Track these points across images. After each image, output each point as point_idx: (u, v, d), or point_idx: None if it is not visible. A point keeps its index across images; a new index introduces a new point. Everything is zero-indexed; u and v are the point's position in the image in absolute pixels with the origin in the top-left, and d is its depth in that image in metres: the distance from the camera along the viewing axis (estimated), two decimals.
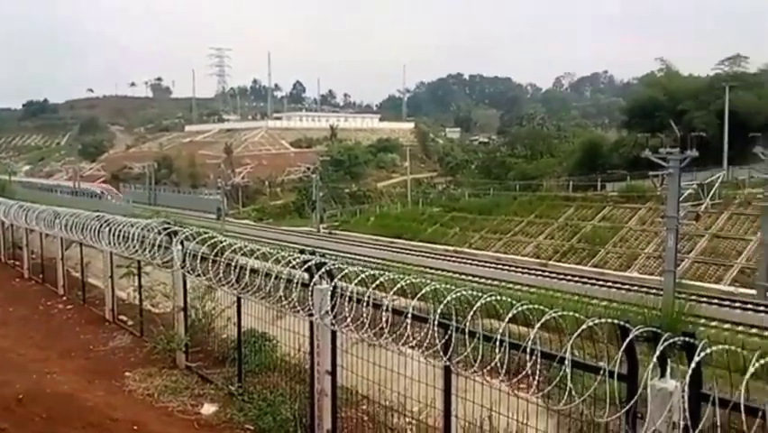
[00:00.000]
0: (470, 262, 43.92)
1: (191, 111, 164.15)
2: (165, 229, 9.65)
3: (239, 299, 7.79)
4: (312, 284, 5.99)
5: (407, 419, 6.70)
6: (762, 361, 2.95)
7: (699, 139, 29.56)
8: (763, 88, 60.42)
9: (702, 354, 3.18)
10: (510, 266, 41.96)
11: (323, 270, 5.96)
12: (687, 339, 3.25)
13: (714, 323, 25.22)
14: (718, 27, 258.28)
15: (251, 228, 67.54)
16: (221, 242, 8.17)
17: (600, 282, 35.21)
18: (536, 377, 3.92)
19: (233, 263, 7.38)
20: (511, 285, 32.19)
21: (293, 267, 6.42)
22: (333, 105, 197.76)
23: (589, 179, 57.69)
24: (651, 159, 29.14)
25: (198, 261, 8.36)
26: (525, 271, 39.78)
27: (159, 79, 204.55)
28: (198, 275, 8.22)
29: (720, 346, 3.19)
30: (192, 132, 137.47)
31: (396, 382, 5.98)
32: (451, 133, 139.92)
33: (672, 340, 3.25)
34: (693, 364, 3.15)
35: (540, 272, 39.17)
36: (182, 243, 8.96)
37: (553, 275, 37.93)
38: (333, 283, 5.78)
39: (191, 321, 9.52)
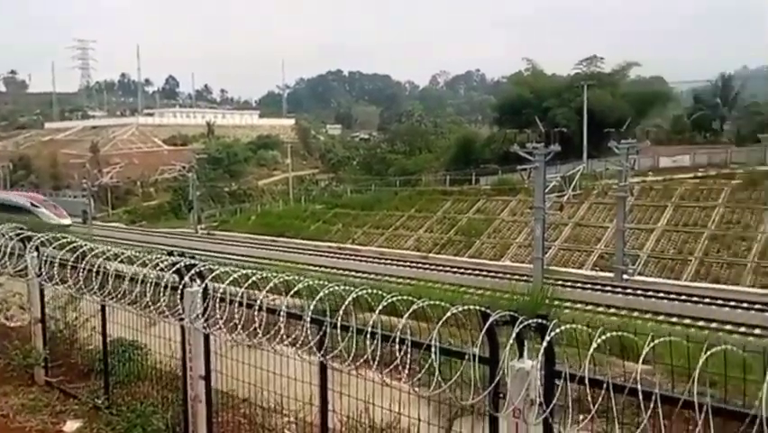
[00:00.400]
0: (354, 257, 44.38)
1: (51, 107, 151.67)
2: (18, 235, 8.84)
3: (103, 307, 7.33)
4: (181, 287, 5.75)
5: (288, 419, 6.64)
6: (603, 337, 3.22)
7: (561, 134, 31.87)
8: (616, 87, 65.95)
9: (552, 333, 3.42)
10: (393, 260, 42.89)
11: (193, 271, 5.74)
12: (540, 321, 3.48)
13: (578, 305, 27.29)
14: (580, 28, 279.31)
15: (122, 231, 63.91)
16: (81, 246, 7.62)
17: (477, 272, 36.94)
18: (407, 366, 4.01)
19: (95, 269, 6.91)
20: (394, 278, 32.99)
21: (161, 270, 6.12)
22: (210, 100, 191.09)
23: (464, 173, 60.12)
24: (519, 153, 30.92)
25: (57, 268, 7.75)
26: (407, 264, 40.84)
27: (13, 72, 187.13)
28: (57, 283, 7.62)
29: (569, 325, 3.44)
30: (53, 129, 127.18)
31: (276, 383, 5.90)
32: (332, 130, 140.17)
33: (527, 322, 3.46)
34: (545, 344, 3.38)
35: (421, 265, 40.38)
36: (37, 249, 8.25)
37: (433, 267, 39.28)
38: (203, 284, 5.59)
39: (51, 333, 8.82)
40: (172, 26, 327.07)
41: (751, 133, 62.99)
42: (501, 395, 3.71)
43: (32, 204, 59.59)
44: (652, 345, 3.14)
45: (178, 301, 5.81)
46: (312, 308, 4.61)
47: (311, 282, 4.89)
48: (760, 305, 27.54)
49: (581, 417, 3.51)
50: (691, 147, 57.95)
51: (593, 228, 43.30)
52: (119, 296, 6.46)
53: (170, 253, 6.27)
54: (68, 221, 57.68)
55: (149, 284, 6.03)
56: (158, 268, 6.19)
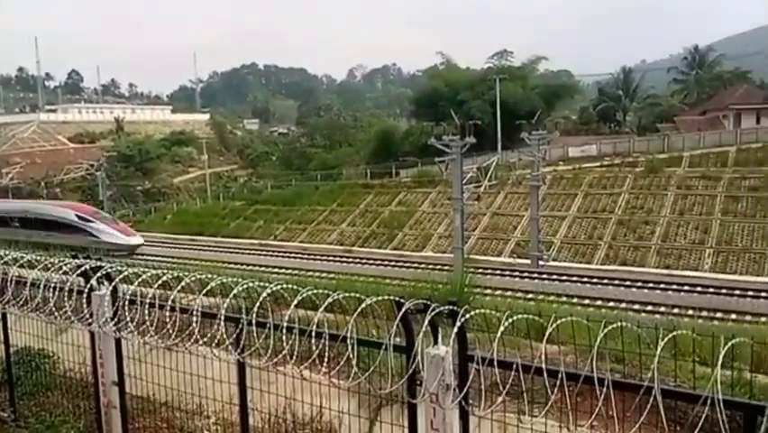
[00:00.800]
0: (276, 254, 43.84)
1: None
2: None
3: (3, 315, 6.91)
4: (87, 290, 5.49)
5: (209, 420, 6.51)
6: (510, 320, 3.35)
7: (476, 127, 32.67)
8: (526, 81, 68.20)
9: (463, 319, 3.51)
10: (316, 255, 42.68)
11: (100, 273, 5.49)
12: (452, 307, 3.57)
13: (498, 292, 28.20)
14: (492, 24, 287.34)
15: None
16: None
17: (400, 263, 37.37)
18: (326, 359, 4.02)
19: None
20: (317, 273, 32.81)
21: (65, 273, 5.82)
22: (118, 95, 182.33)
23: (384, 166, 60.48)
24: (437, 146, 31.49)
25: None
26: (331, 258, 40.76)
27: None
28: None
29: (478, 311, 3.55)
30: None
31: (197, 384, 5.76)
32: (249, 125, 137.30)
33: (438, 309, 3.54)
34: (456, 329, 3.48)
35: (345, 259, 40.41)
36: None
37: (357, 260, 39.39)
38: (111, 287, 5.36)
39: None
40: (75, 17, 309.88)
41: (651, 123, 67.01)
42: (419, 382, 3.79)
43: (79, 217, 44.55)
44: (555, 325, 3.29)
45: (85, 306, 5.55)
46: (227, 305, 4.52)
47: (225, 280, 4.80)
48: (664, 284, 29.42)
49: (499, 399, 3.64)
50: (597, 137, 60.89)
51: (509, 217, 44.70)
52: (20, 303, 6.10)
53: (75, 256, 5.98)
54: (138, 240, 44.37)
55: (52, 289, 5.72)
56: (62, 271, 5.89)
